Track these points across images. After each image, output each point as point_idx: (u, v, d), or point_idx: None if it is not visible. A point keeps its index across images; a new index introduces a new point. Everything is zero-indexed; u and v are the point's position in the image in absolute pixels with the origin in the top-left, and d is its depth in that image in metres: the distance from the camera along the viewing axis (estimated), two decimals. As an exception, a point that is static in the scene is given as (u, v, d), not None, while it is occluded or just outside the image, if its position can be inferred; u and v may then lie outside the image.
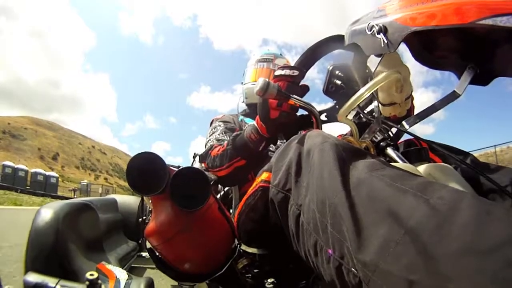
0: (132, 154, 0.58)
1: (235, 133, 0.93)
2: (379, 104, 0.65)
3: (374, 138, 0.62)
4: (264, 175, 0.62)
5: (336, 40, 0.71)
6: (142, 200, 0.84)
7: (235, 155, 0.88)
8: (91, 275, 0.42)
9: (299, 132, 1.06)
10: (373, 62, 0.66)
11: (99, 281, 0.43)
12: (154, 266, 0.74)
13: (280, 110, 0.75)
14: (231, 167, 0.90)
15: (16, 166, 19.96)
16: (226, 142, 0.94)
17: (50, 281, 0.42)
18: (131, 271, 1.11)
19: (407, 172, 0.36)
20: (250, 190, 0.67)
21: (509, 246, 0.22)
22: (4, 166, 19.05)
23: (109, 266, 0.65)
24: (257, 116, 0.81)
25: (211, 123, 1.24)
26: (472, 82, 0.52)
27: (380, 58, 0.59)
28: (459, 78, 0.55)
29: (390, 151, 0.59)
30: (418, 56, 0.58)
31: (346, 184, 0.37)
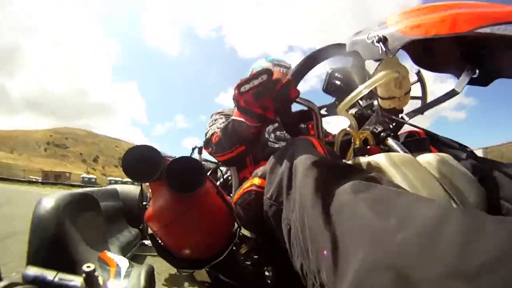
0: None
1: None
2: (379, 98, 0.65)
3: (374, 130, 0.61)
4: (256, 180, 0.63)
5: (335, 48, 0.73)
6: (141, 187, 0.86)
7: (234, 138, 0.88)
8: (88, 267, 0.43)
9: (300, 125, 1.05)
10: (370, 67, 0.68)
11: (96, 273, 0.44)
12: (155, 253, 0.76)
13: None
14: (234, 152, 0.90)
15: (89, 176, 36.46)
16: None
17: (49, 274, 0.43)
18: (134, 259, 1.14)
19: (393, 190, 0.33)
20: (246, 187, 0.68)
21: (497, 267, 0.21)
22: (83, 178, 35.25)
23: (111, 255, 0.67)
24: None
25: (211, 116, 1.23)
26: (473, 83, 0.54)
27: (379, 62, 0.61)
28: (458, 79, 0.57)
29: (390, 141, 0.59)
30: (418, 61, 0.61)
31: (326, 208, 0.35)
